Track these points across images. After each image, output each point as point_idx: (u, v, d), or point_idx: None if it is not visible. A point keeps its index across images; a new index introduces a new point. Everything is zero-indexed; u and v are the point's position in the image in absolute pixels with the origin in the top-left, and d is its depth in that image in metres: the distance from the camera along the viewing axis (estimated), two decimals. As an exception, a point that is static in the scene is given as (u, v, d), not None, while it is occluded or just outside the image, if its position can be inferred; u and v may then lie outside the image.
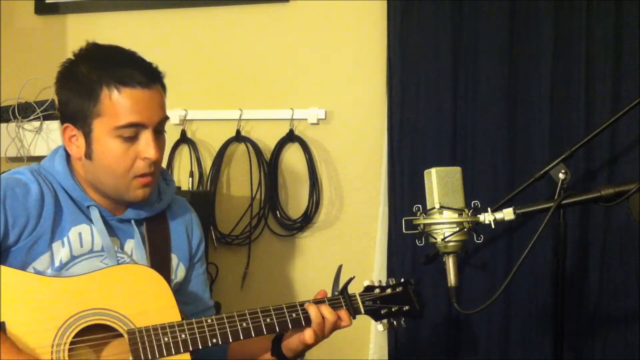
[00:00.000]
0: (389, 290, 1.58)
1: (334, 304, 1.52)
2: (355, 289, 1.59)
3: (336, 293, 1.55)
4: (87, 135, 1.41)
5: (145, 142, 1.41)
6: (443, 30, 2.30)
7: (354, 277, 1.58)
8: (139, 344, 1.34)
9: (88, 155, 1.42)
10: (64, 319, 1.32)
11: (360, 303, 1.55)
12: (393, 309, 1.56)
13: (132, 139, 1.40)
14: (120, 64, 1.41)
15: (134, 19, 2.67)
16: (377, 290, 1.58)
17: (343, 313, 1.51)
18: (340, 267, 1.60)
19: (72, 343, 1.31)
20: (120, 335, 1.36)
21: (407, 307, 1.57)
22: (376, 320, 1.56)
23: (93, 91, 1.39)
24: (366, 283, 1.59)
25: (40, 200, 1.39)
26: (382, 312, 1.55)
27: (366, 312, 1.55)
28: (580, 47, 2.19)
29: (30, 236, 1.37)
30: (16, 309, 1.29)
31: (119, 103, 1.38)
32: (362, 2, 2.47)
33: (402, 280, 1.61)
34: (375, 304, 1.56)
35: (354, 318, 1.54)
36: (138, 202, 1.48)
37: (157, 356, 1.34)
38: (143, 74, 1.41)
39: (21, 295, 1.30)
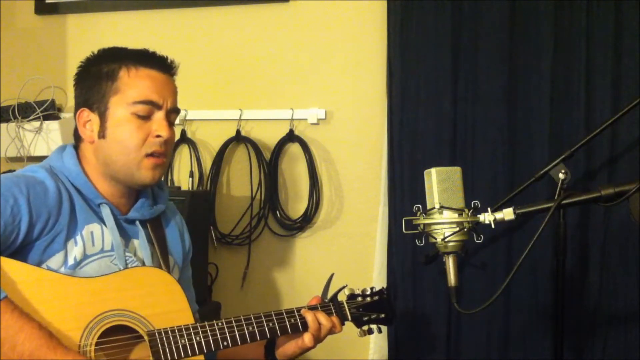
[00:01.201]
0: (368, 299, 1.66)
1: (325, 310, 1.58)
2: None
3: (326, 300, 1.62)
4: (103, 114, 1.45)
5: (158, 121, 1.46)
6: (443, 30, 2.30)
7: (346, 285, 1.65)
8: (159, 346, 1.37)
9: (102, 134, 1.45)
10: (88, 319, 1.33)
11: (347, 310, 1.62)
12: (372, 316, 1.64)
13: (146, 119, 1.45)
14: (139, 50, 1.50)
15: (134, 19, 2.67)
16: (359, 299, 1.65)
17: (336, 320, 1.58)
18: (331, 276, 1.66)
19: (96, 344, 1.32)
20: (140, 336, 1.37)
21: (383, 315, 1.65)
22: (358, 326, 1.64)
23: (112, 72, 1.45)
24: (347, 292, 1.66)
25: (59, 198, 1.40)
26: (363, 319, 1.63)
27: (352, 319, 1.63)
28: (580, 47, 2.19)
29: (50, 233, 1.38)
30: (41, 308, 1.29)
31: (137, 80, 1.45)
32: (362, 2, 2.47)
33: (376, 289, 1.69)
34: (358, 311, 1.63)
35: (343, 324, 1.61)
36: (147, 184, 1.49)
37: (176, 357, 1.38)
38: (160, 61, 1.50)
39: (45, 294, 1.31)
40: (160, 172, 1.50)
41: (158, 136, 1.45)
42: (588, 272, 2.19)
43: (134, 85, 1.44)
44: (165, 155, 1.49)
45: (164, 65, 1.49)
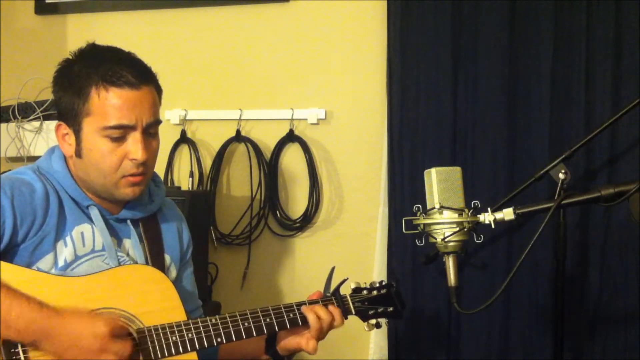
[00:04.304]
0: (374, 292, 1.64)
1: (327, 304, 1.56)
2: (343, 290, 1.63)
3: (328, 294, 1.60)
4: (77, 134, 1.43)
5: (133, 143, 1.41)
6: (443, 30, 2.30)
7: (347, 278, 1.63)
8: (149, 343, 1.36)
9: (78, 153, 1.44)
10: None
11: (351, 304, 1.60)
12: (379, 310, 1.61)
13: (120, 139, 1.41)
14: (111, 63, 1.41)
15: (133, 19, 2.67)
16: (364, 292, 1.63)
17: (334, 310, 1.55)
18: (332, 269, 1.64)
19: None
20: (130, 335, 1.37)
21: (391, 308, 1.63)
22: (364, 320, 1.61)
23: (83, 90, 1.40)
24: (353, 285, 1.64)
25: (46, 199, 1.40)
26: (369, 312, 1.61)
27: (356, 313, 1.60)
28: (580, 47, 2.19)
29: (37, 235, 1.38)
30: None
31: (107, 103, 1.39)
32: (362, 2, 2.47)
33: (385, 282, 1.67)
34: (364, 304, 1.61)
35: (346, 318, 1.58)
36: (128, 199, 1.49)
37: (166, 355, 1.37)
38: (133, 75, 1.40)
39: (33, 294, 1.30)
40: (142, 187, 1.47)
41: (133, 159, 1.41)
42: (588, 272, 2.19)
43: (104, 109, 1.38)
44: (144, 173, 1.45)
45: (136, 81, 1.40)
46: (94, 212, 1.46)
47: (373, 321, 1.61)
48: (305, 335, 1.52)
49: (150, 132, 1.45)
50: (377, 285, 1.65)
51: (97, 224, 1.46)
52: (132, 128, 1.41)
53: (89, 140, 1.41)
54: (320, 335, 1.53)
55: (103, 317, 1.30)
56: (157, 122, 1.47)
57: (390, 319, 1.64)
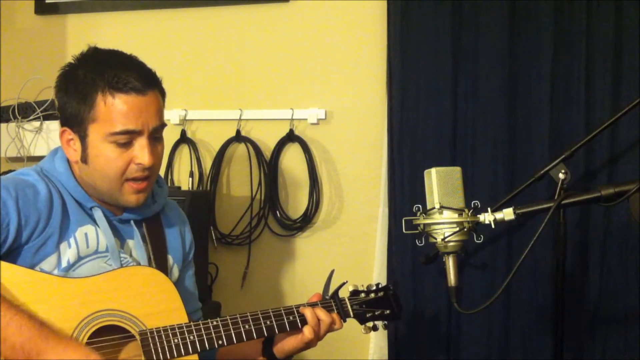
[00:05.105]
0: (372, 295, 1.65)
1: (326, 307, 1.58)
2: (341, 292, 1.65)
3: (327, 297, 1.61)
4: (83, 140, 1.43)
5: (140, 148, 1.42)
6: (443, 30, 2.30)
7: (346, 282, 1.64)
8: (151, 345, 1.37)
9: (84, 159, 1.44)
10: (79, 320, 1.33)
11: (349, 307, 1.61)
12: (376, 313, 1.63)
13: (127, 145, 1.41)
14: (116, 69, 1.40)
15: (134, 19, 2.67)
16: (362, 295, 1.65)
17: (335, 316, 1.57)
18: (332, 272, 1.65)
19: (87, 344, 1.32)
20: (132, 336, 1.37)
21: (388, 311, 1.65)
22: (361, 323, 1.63)
23: (88, 96, 1.40)
24: (351, 288, 1.65)
25: (49, 201, 1.40)
26: (367, 315, 1.63)
27: (354, 316, 1.62)
28: (580, 47, 2.19)
29: (40, 236, 1.38)
30: (31, 309, 1.29)
31: (113, 109, 1.39)
32: (362, 2, 2.47)
33: (382, 285, 1.68)
34: (361, 307, 1.63)
35: (344, 321, 1.60)
36: (133, 207, 1.49)
37: (168, 357, 1.37)
38: (139, 80, 1.40)
39: (35, 295, 1.31)
40: (146, 194, 1.48)
41: (139, 164, 1.42)
42: (588, 272, 2.19)
43: (110, 115, 1.38)
44: (148, 177, 1.46)
45: (143, 86, 1.40)
46: (98, 214, 1.47)
47: (370, 324, 1.63)
48: (303, 327, 1.52)
49: (155, 136, 1.45)
50: (374, 288, 1.67)
51: (100, 225, 1.46)
52: (138, 133, 1.41)
53: (95, 146, 1.41)
54: (318, 332, 1.53)
55: (98, 353, 1.29)
56: (163, 125, 1.47)
57: (387, 321, 1.66)
